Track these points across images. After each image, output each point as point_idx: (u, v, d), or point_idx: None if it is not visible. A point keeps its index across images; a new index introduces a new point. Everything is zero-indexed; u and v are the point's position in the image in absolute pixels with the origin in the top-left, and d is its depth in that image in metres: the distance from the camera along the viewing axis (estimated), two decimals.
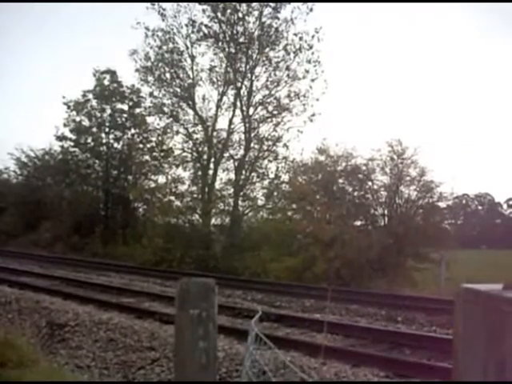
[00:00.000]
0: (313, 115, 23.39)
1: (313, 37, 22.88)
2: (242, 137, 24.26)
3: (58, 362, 7.65)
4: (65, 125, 31.22)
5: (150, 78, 24.72)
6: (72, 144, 31.84)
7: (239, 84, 23.86)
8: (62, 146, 32.46)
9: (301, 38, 23.04)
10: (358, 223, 21.60)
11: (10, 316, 10.50)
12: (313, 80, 23.30)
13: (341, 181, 21.49)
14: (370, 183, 21.16)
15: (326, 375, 6.40)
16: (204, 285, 2.02)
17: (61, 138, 31.67)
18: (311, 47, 23.05)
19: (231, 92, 24.31)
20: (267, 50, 23.62)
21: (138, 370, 7.19)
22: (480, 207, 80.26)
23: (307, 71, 23.31)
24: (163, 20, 23.85)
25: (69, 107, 30.93)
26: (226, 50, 23.71)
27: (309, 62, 23.26)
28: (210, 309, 2.00)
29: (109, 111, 31.00)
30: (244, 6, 23.12)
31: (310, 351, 7.45)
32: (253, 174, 24.53)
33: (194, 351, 1.97)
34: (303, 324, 9.91)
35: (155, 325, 9.43)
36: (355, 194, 21.55)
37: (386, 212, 21.18)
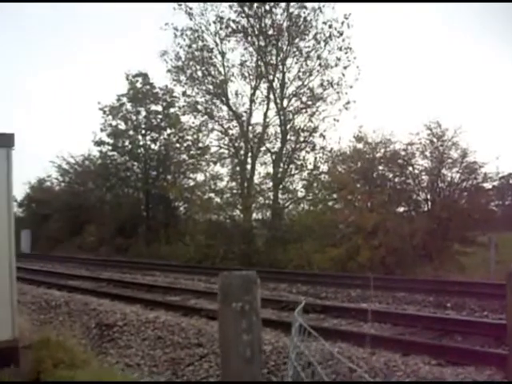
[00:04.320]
0: (348, 103, 23.13)
1: (342, 23, 22.61)
2: (278, 129, 24.22)
3: (108, 361, 7.76)
4: (102, 130, 31.90)
5: (182, 78, 24.89)
6: (110, 148, 32.46)
7: (271, 77, 23.77)
8: (100, 151, 33.17)
9: (330, 26, 22.78)
10: (401, 209, 21.25)
11: (61, 318, 10.76)
12: (345, 67, 23.04)
13: (380, 168, 21.16)
14: (410, 168, 20.77)
15: (375, 365, 6.28)
16: (246, 277, 1.99)
17: (99, 142, 32.31)
18: (341, 34, 22.76)
19: (264, 85, 24.30)
20: (297, 40, 23.45)
21: (187, 366, 7.23)
22: None
23: (339, 59, 23.05)
24: (191, 19, 24.00)
25: (104, 112, 31.55)
26: (256, 43, 23.66)
27: (340, 49, 22.99)
28: (252, 301, 1.96)
29: (144, 113, 31.46)
30: None
31: (357, 341, 7.34)
32: (291, 166, 24.40)
33: (238, 345, 1.94)
34: (350, 314, 9.79)
35: (202, 321, 9.47)
36: (396, 180, 21.19)
37: (428, 197, 20.76)
